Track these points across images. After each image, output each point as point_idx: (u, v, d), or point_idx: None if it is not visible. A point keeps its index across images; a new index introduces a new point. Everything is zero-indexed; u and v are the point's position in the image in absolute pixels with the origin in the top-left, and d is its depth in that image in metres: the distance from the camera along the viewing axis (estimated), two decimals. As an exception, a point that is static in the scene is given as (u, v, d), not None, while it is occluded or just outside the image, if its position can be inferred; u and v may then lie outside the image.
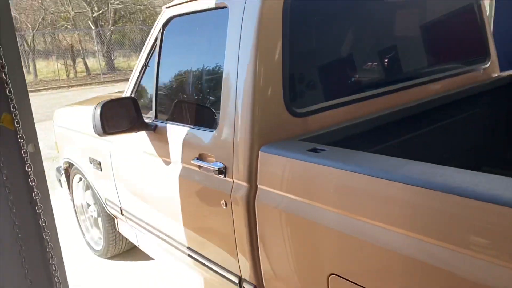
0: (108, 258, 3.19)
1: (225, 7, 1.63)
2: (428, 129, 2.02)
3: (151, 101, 2.08)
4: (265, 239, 1.49)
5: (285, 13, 1.53)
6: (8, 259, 1.24)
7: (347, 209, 1.20)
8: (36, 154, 1.29)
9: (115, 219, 2.84)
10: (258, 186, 1.50)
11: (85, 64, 21.00)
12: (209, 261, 1.86)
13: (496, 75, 2.56)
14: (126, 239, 2.96)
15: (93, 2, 21.07)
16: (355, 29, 1.93)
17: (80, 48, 21.52)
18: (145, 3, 23.02)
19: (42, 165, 1.32)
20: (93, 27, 19.64)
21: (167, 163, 1.94)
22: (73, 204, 3.37)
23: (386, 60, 2.05)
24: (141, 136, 2.08)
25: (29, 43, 21.08)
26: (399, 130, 1.87)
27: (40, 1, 20.74)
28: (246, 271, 1.62)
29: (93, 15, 21.08)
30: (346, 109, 1.72)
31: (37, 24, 21.40)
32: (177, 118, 1.96)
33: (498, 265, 0.90)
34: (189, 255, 1.96)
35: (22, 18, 21.52)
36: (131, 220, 2.52)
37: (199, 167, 1.72)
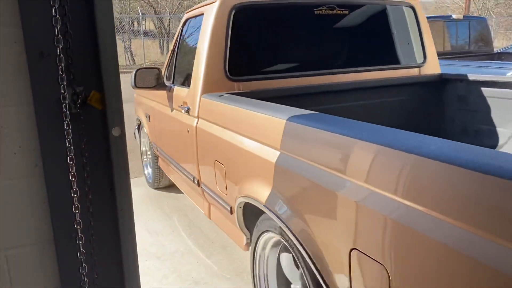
0: (156, 189, 4.42)
1: (202, 13, 2.79)
2: (345, 105, 2.89)
3: (171, 72, 3.33)
4: (201, 153, 2.59)
5: (228, 19, 2.59)
6: (71, 249, 1.14)
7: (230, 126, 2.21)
8: (121, 137, 1.18)
9: (158, 157, 4.01)
10: (199, 118, 2.60)
11: None
12: (185, 170, 3.00)
13: (433, 73, 3.21)
14: (164, 173, 4.05)
15: None
16: (275, 31, 2.94)
17: None
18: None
19: (126, 150, 1.22)
20: None
21: (172, 109, 3.14)
22: (140, 149, 4.67)
23: (299, 53, 3.01)
24: (164, 94, 3.32)
25: (165, 27, 22.40)
26: (313, 100, 2.75)
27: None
28: (197, 174, 2.73)
29: None
30: (263, 82, 2.71)
31: (174, 9, 22.61)
32: (177, 82, 3.17)
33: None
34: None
35: (162, 2, 22.93)
36: (161, 154, 3.74)
37: (181, 110, 2.86)
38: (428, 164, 1.04)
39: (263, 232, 1.96)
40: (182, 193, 3.87)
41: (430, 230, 1.02)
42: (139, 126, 4.56)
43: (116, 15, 19.37)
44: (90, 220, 1.16)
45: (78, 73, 1.09)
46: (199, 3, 3.59)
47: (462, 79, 3.05)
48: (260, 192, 1.82)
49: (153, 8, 22.98)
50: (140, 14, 20.24)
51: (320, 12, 2.96)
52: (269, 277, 2.09)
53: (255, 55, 2.90)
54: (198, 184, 2.76)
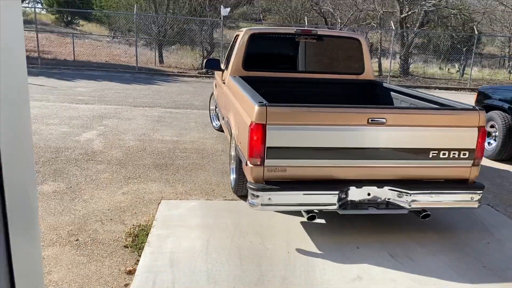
0: (216, 129, 7.28)
1: (238, 35, 5.57)
2: (312, 88, 5.47)
3: (225, 62, 5.89)
4: (226, 103, 5.32)
5: (248, 39, 5.28)
6: None
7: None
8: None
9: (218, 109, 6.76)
10: (225, 88, 5.35)
11: (379, 64, 20.28)
12: (223, 119, 5.64)
13: (366, 79, 5.65)
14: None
15: (405, 2, 20.12)
16: (280, 48, 5.83)
17: (379, 47, 21.15)
18: (460, 7, 21.62)
19: None
20: (393, 27, 17.94)
21: (222, 82, 5.72)
22: (209, 107, 7.72)
23: (283, 60, 5.88)
24: (220, 74, 6.15)
25: None
26: (294, 88, 5.40)
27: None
28: (225, 114, 5.38)
29: (401, 16, 20.07)
30: (260, 72, 5.30)
31: (346, 20, 21.68)
32: (227, 66, 5.60)
33: None
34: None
35: (335, 13, 22.11)
36: (218, 106, 6.52)
37: (223, 84, 5.57)
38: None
39: (231, 132, 4.56)
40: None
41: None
42: (212, 94, 7.54)
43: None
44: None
45: None
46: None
47: (379, 84, 5.60)
48: (230, 116, 4.60)
49: (324, 18, 22.39)
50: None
51: (299, 39, 5.59)
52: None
53: (258, 59, 5.54)
54: (224, 119, 5.48)
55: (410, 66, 21.12)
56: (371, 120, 3.35)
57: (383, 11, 20.93)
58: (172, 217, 3.86)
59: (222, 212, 4.02)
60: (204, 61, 6.54)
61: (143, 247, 3.29)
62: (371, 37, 22.87)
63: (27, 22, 23.25)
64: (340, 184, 3.42)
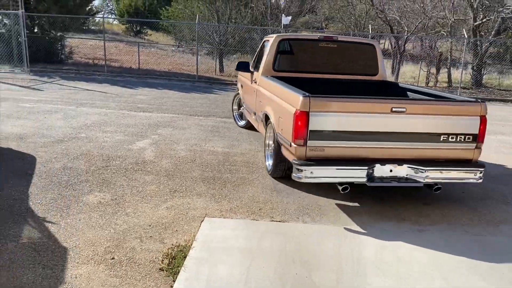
0: (241, 127, 7.97)
1: (268, 40, 6.33)
2: (335, 86, 6.04)
3: (253, 64, 6.65)
4: (257, 100, 6.14)
5: (278, 44, 6.11)
6: None
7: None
8: None
9: (244, 108, 7.47)
10: (257, 86, 6.13)
11: (449, 75, 19.10)
12: (254, 114, 6.34)
13: (380, 79, 6.46)
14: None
15: (479, 9, 18.51)
16: (305, 52, 6.37)
17: (449, 57, 19.75)
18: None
19: None
20: (465, 36, 16.44)
21: (251, 82, 6.55)
22: (232, 107, 8.42)
23: (308, 62, 6.37)
24: (249, 75, 6.77)
25: (399, 46, 20.15)
26: (322, 83, 6.14)
27: (422, 5, 19.65)
28: (255, 109, 6.36)
29: (475, 23, 18.48)
30: (287, 73, 6.05)
31: (413, 28, 20.53)
32: (255, 69, 6.45)
33: None
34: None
35: (402, 21, 21.15)
36: (244, 106, 7.38)
37: (254, 83, 6.31)
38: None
39: (268, 123, 5.29)
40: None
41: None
42: (235, 96, 8.32)
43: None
44: None
45: None
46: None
47: (395, 84, 6.41)
48: (268, 110, 5.21)
49: (390, 26, 21.32)
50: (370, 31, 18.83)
51: (321, 44, 6.23)
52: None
53: (285, 61, 6.23)
54: (255, 114, 6.21)
55: (484, 77, 19.56)
56: (393, 109, 4.12)
57: (454, 19, 19.58)
58: (213, 238, 3.59)
59: (267, 234, 3.70)
60: (237, 64, 6.92)
61: (178, 271, 3.05)
62: (441, 46, 21.50)
63: (99, 32, 24.58)
64: (367, 162, 4.16)
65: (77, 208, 4.09)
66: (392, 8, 21.38)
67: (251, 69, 6.61)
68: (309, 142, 4.08)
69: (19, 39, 14.55)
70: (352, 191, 4.30)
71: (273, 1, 24.62)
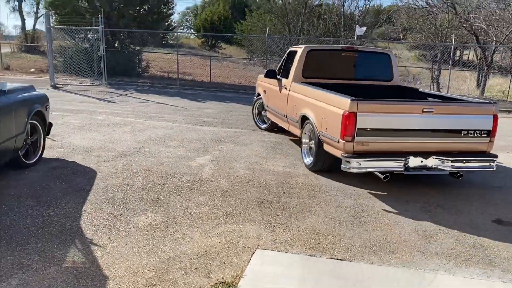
0: (263, 129, 8.79)
1: (297, 50, 7.20)
2: (358, 90, 6.21)
3: (280, 72, 7.64)
4: (289, 104, 7.01)
5: (306, 54, 6.97)
6: None
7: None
8: None
9: (266, 111, 8.43)
10: (290, 90, 6.96)
11: None
12: (280, 112, 7.46)
13: (395, 84, 7.36)
14: (270, 120, 8.36)
15: None
16: (330, 60, 7.29)
17: None
18: None
19: None
20: None
21: (280, 88, 7.47)
22: (252, 110, 9.18)
23: (332, 70, 7.29)
24: (275, 81, 7.71)
25: (486, 57, 18.81)
26: (348, 88, 6.46)
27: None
28: (286, 112, 7.20)
29: None
30: (314, 80, 6.81)
31: (503, 37, 18.79)
32: (282, 76, 7.46)
33: None
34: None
35: (489, 30, 19.51)
36: (269, 108, 8.18)
37: (284, 89, 7.20)
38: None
39: (305, 125, 6.16)
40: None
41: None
42: (256, 97, 8.96)
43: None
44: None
45: None
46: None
47: (405, 88, 7.63)
48: (307, 112, 6.00)
49: (476, 36, 19.76)
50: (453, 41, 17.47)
51: (343, 54, 7.28)
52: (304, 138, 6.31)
53: (313, 69, 6.97)
54: (285, 116, 7.05)
55: None
56: (424, 110, 4.94)
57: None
58: (264, 276, 3.20)
59: (325, 276, 3.23)
60: (265, 72, 7.97)
61: (220, 316, 2.70)
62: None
63: (176, 46, 25.51)
64: (403, 154, 4.94)
65: (126, 230, 3.92)
66: (479, 16, 19.65)
67: (278, 77, 7.53)
68: (356, 139, 4.86)
69: (99, 54, 15.38)
70: (431, 229, 3.68)
71: (347, 12, 23.94)
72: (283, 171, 5.95)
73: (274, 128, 8.48)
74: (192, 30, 42.61)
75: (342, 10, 23.40)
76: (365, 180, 5.60)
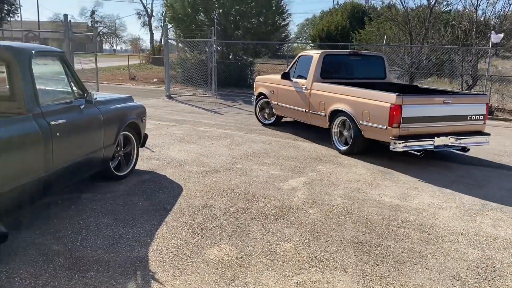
0: (267, 125, 9.96)
1: (312, 55, 8.52)
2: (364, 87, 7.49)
3: (291, 73, 8.92)
4: (311, 101, 8.29)
5: (323, 59, 8.27)
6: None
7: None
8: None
9: (275, 109, 9.62)
10: (311, 89, 8.22)
11: None
12: (299, 108, 8.60)
13: (387, 81, 8.99)
14: (276, 116, 9.77)
15: None
16: (341, 65, 8.89)
17: None
18: None
19: None
20: None
21: (294, 87, 8.71)
22: (255, 108, 10.25)
23: (343, 71, 8.84)
24: (287, 82, 8.96)
25: None
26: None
27: None
28: (308, 108, 8.40)
29: None
30: (333, 79, 8.20)
31: None
32: (295, 77, 8.81)
33: None
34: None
35: None
36: (280, 106, 9.30)
37: (302, 87, 8.44)
38: None
39: (336, 118, 7.53)
40: None
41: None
42: (257, 97, 10.05)
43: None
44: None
45: None
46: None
47: (394, 83, 9.67)
48: (341, 107, 7.31)
49: None
50: None
51: (351, 57, 9.00)
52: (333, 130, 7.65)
53: (328, 71, 8.33)
54: (307, 111, 8.33)
55: None
56: (445, 101, 6.52)
57: None
58: None
59: None
60: (282, 74, 9.11)
61: None
62: None
63: (290, 57, 25.26)
64: (431, 136, 6.41)
65: (195, 264, 3.43)
66: None
67: (291, 78, 8.77)
68: (402, 125, 6.17)
69: (210, 65, 15.72)
70: None
71: (481, 18, 21.19)
72: (391, 202, 4.97)
73: (281, 121, 9.83)
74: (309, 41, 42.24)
75: (475, 15, 20.79)
76: (498, 223, 4.37)
